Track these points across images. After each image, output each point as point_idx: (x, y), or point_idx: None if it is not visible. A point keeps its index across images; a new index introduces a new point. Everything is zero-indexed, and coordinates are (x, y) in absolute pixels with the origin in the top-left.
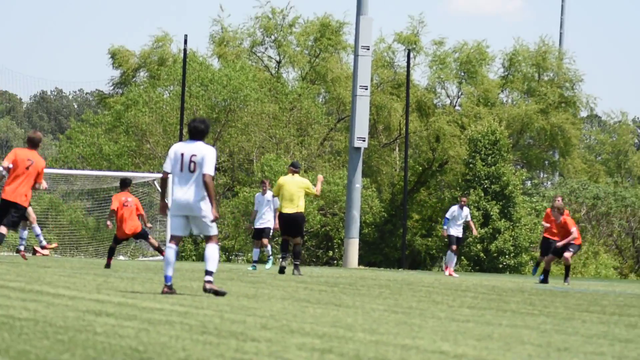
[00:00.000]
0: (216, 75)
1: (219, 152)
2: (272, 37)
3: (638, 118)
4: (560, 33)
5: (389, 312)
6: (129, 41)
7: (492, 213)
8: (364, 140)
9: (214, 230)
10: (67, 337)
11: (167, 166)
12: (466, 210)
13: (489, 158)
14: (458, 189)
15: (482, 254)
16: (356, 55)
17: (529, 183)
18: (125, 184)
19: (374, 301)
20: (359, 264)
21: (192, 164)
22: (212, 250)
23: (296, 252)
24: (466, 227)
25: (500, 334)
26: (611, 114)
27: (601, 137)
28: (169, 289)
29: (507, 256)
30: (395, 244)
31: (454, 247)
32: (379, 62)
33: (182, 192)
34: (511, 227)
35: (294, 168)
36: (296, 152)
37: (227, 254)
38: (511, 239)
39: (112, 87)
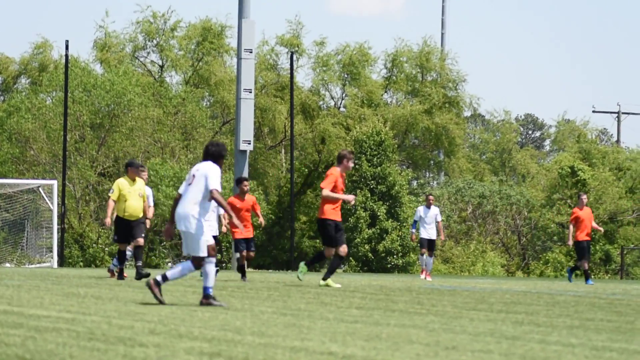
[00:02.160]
0: (99, 81)
1: (104, 158)
2: (154, 42)
3: (521, 116)
4: (442, 34)
5: (278, 315)
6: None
7: (379, 213)
8: (249, 143)
9: (200, 252)
10: None
11: (180, 188)
12: (435, 209)
13: (375, 159)
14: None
15: (370, 254)
16: (239, 59)
17: (415, 183)
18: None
19: (263, 304)
20: (248, 266)
21: (192, 178)
22: (184, 264)
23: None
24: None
25: (389, 333)
26: (494, 113)
27: (485, 136)
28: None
29: (394, 256)
30: (284, 246)
31: (424, 250)
32: (262, 65)
33: (180, 206)
34: (398, 227)
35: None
36: (182, 156)
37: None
38: (398, 238)
39: None
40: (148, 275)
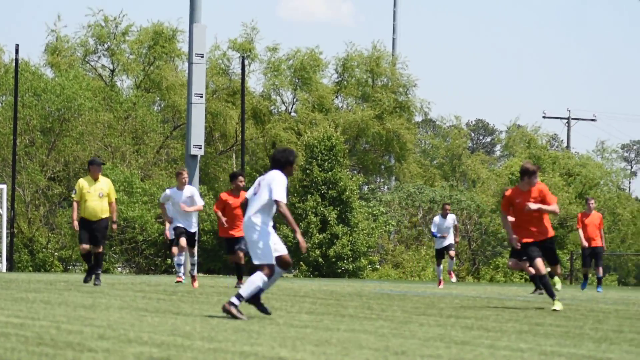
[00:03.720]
0: (49, 85)
1: (54, 162)
2: (106, 46)
3: (472, 122)
4: (393, 38)
5: (228, 320)
6: None
7: (329, 218)
8: (200, 148)
9: (259, 259)
10: None
11: (248, 192)
12: (451, 217)
13: (326, 164)
14: (295, 195)
15: (320, 259)
16: (190, 63)
17: (365, 188)
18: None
19: (213, 309)
20: (198, 271)
21: (257, 187)
22: (254, 276)
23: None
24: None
25: (339, 338)
26: (445, 118)
27: (435, 142)
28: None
29: (345, 261)
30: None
31: (440, 260)
32: (214, 70)
33: (245, 217)
34: (349, 232)
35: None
36: (132, 160)
37: (65, 264)
38: (349, 243)
39: None
40: (98, 284)
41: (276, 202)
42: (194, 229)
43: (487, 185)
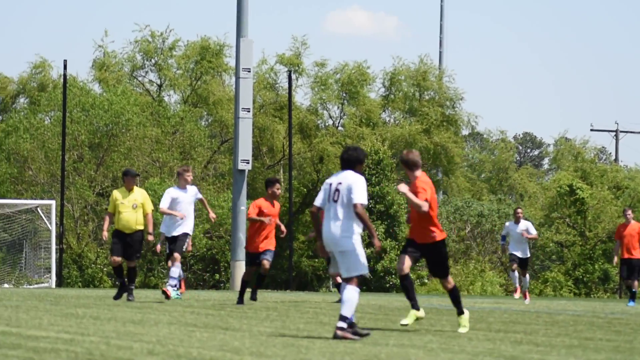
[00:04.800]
0: (97, 100)
1: (102, 178)
2: (153, 61)
3: (519, 135)
4: (440, 52)
5: (277, 335)
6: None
7: (377, 233)
8: (247, 163)
9: (353, 270)
10: None
11: (317, 199)
12: (524, 224)
13: (373, 178)
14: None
15: (368, 274)
16: (237, 78)
17: None
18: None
19: (262, 324)
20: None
21: (336, 193)
22: (349, 293)
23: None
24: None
25: (388, 353)
26: (492, 131)
27: (482, 155)
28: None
29: (393, 276)
30: (282, 266)
31: (514, 265)
32: (261, 84)
33: (326, 226)
34: (397, 246)
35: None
36: None
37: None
38: (397, 258)
39: None
40: (132, 300)
41: (355, 205)
42: (186, 229)
43: (535, 199)
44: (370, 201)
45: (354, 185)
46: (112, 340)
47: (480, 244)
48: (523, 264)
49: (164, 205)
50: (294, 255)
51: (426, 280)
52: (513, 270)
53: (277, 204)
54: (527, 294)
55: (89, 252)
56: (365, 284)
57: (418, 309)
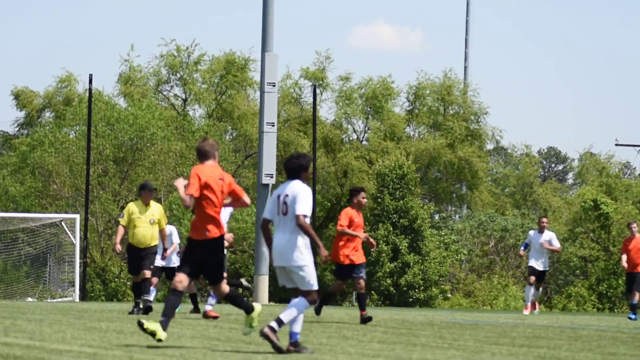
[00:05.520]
0: (122, 115)
1: (127, 192)
2: (178, 75)
3: (544, 150)
4: (465, 67)
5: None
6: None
7: (401, 247)
8: (271, 177)
9: (308, 284)
10: None
11: (265, 212)
12: (548, 234)
13: (397, 192)
14: (366, 223)
15: (391, 288)
16: (262, 92)
17: (437, 216)
18: None
19: (284, 338)
20: (270, 300)
21: (284, 206)
22: (299, 304)
23: None
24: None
25: None
26: (516, 146)
27: (507, 170)
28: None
29: (416, 290)
30: None
31: (532, 278)
32: (285, 99)
33: (277, 240)
34: (420, 260)
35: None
36: None
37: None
38: (420, 272)
39: (17, 128)
40: (148, 310)
41: (297, 217)
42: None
43: (559, 214)
44: (394, 215)
45: (298, 196)
46: (135, 354)
47: (503, 258)
48: (541, 276)
49: None
50: (317, 269)
51: (449, 295)
52: (531, 284)
53: (361, 214)
54: (536, 304)
55: (113, 265)
56: (389, 298)
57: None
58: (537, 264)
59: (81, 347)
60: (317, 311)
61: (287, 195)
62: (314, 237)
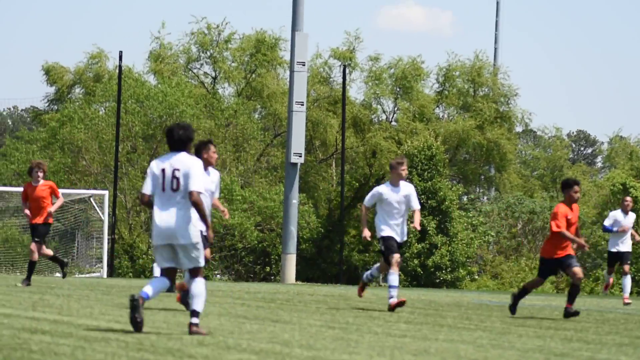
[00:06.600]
0: (152, 92)
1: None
2: (208, 53)
3: (573, 133)
4: (495, 48)
5: (326, 328)
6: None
7: (428, 228)
8: (300, 156)
9: (200, 262)
10: (1, 356)
11: (146, 187)
12: (632, 216)
13: (425, 173)
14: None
15: (419, 269)
16: (292, 71)
17: (465, 198)
18: None
19: (311, 317)
20: (297, 279)
21: (174, 181)
22: (197, 287)
23: None
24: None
25: (437, 348)
26: (545, 129)
27: (536, 153)
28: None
29: (444, 271)
30: (333, 260)
31: (611, 269)
32: (315, 78)
33: (163, 216)
34: (448, 242)
35: None
36: (233, 167)
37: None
38: (448, 254)
39: (47, 104)
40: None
41: (191, 193)
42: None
43: (589, 197)
44: (422, 196)
45: (191, 171)
46: (162, 330)
47: (531, 241)
48: (625, 258)
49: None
50: (344, 249)
51: (476, 277)
52: (610, 273)
53: (575, 207)
54: (627, 296)
55: (141, 242)
56: (416, 279)
57: None
58: (622, 246)
59: (109, 323)
60: (513, 310)
61: (177, 170)
62: (206, 216)
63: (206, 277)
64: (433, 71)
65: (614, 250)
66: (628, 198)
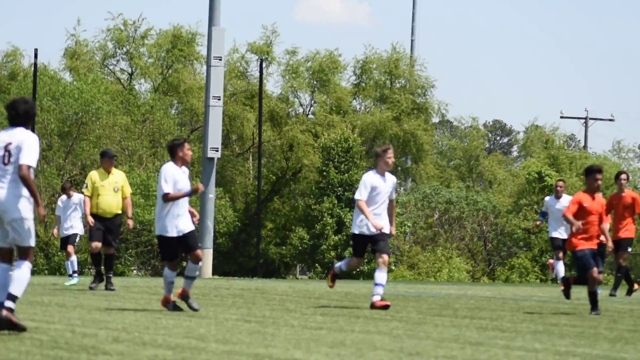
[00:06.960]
0: (67, 89)
1: (71, 166)
2: (124, 50)
3: (489, 122)
4: (412, 40)
5: (242, 322)
6: None
7: (345, 220)
8: (217, 151)
9: (30, 240)
10: None
11: None
12: (567, 199)
13: (342, 165)
14: (312, 197)
15: (336, 261)
16: (209, 66)
17: None
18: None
19: (227, 311)
20: (213, 273)
21: (6, 155)
22: (23, 271)
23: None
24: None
25: (353, 340)
26: (462, 119)
27: (453, 143)
28: None
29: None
30: (250, 253)
31: (560, 253)
32: (232, 73)
33: None
34: None
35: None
36: (149, 163)
37: (80, 267)
38: None
39: None
40: (113, 290)
41: (20, 166)
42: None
43: (504, 186)
44: (339, 188)
45: (24, 144)
46: (77, 327)
47: (448, 231)
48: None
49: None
50: (261, 242)
51: (393, 267)
52: (559, 259)
53: (598, 197)
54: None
55: (56, 240)
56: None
57: None
58: (561, 233)
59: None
60: (567, 295)
61: (10, 143)
62: (35, 191)
63: (122, 273)
64: (350, 64)
65: (554, 235)
66: (560, 182)
